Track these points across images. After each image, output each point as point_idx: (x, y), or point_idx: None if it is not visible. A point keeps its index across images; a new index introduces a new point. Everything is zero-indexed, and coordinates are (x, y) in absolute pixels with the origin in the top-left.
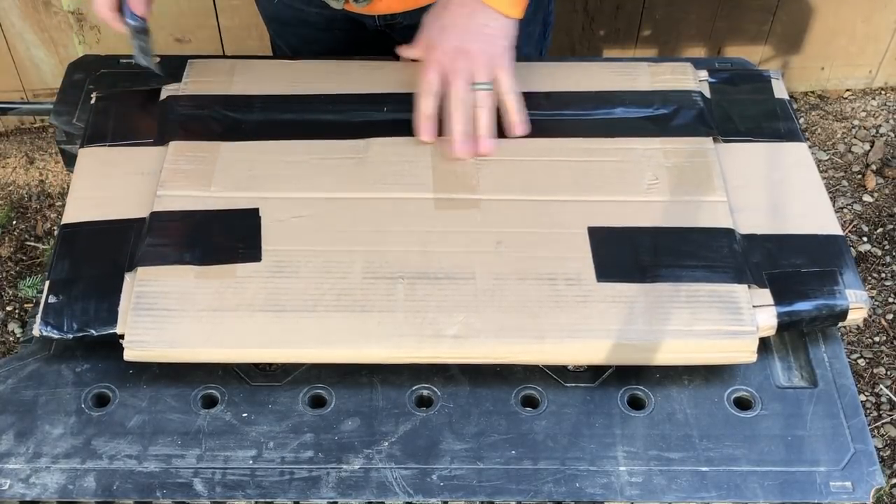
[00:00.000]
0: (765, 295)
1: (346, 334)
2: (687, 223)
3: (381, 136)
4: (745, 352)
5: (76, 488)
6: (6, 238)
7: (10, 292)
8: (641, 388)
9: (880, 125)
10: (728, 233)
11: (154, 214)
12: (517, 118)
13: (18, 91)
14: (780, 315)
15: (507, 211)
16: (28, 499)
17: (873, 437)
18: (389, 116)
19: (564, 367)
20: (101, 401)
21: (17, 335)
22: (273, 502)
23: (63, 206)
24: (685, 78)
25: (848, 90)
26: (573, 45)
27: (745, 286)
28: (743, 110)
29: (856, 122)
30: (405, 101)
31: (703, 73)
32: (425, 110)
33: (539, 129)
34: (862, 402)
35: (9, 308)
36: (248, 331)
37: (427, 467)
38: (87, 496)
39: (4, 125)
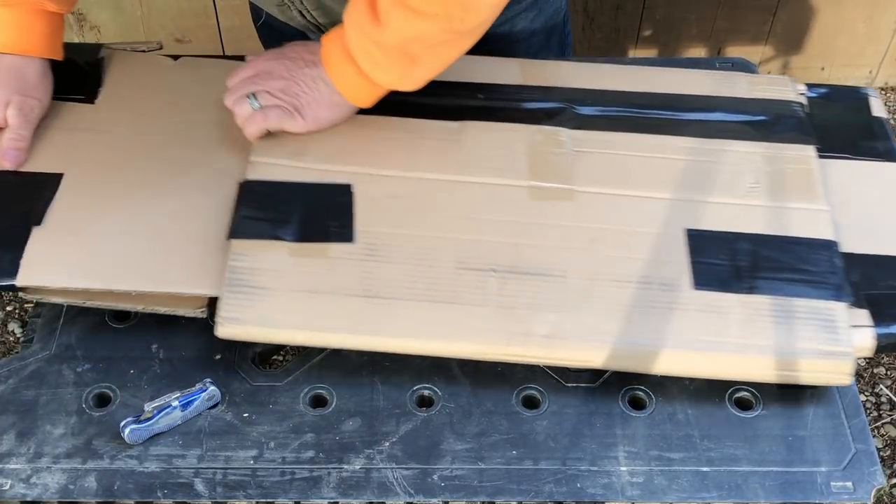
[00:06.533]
0: (863, 315)
1: (436, 327)
2: (787, 232)
3: (476, 121)
4: (839, 373)
5: (77, 488)
6: None
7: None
8: (642, 388)
9: None
10: (829, 245)
11: (246, 183)
12: None
13: None
14: (879, 337)
15: (603, 205)
16: (29, 499)
17: (873, 437)
18: (484, 103)
19: (565, 367)
20: (102, 401)
21: (17, 335)
22: (274, 502)
23: None
24: (784, 89)
25: None
26: (573, 45)
27: (845, 304)
28: (840, 127)
29: None
30: (500, 91)
31: (802, 87)
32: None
33: (637, 125)
34: (862, 402)
35: (9, 308)
36: (339, 316)
37: (428, 467)
38: (88, 496)
39: None
